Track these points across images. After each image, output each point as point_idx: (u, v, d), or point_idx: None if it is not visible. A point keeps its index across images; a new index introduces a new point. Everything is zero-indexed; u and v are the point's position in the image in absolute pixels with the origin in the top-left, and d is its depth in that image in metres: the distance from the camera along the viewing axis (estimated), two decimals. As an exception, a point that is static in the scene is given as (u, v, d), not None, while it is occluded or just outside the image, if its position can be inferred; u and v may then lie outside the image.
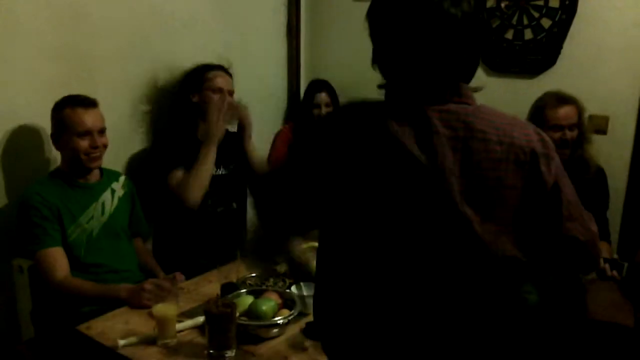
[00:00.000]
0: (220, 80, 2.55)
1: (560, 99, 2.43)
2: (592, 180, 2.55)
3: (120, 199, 2.29)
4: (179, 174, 2.43)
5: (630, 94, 2.67)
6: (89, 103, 2.14)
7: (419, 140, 1.08)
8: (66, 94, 2.24)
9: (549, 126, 2.36)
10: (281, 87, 3.48)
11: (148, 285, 1.92)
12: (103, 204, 2.22)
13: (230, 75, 2.63)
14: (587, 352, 2.07)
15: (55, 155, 2.28)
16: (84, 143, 2.10)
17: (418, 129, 1.09)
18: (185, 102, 2.58)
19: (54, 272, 2.02)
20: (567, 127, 2.39)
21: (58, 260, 2.04)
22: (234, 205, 2.70)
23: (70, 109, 2.10)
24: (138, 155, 2.68)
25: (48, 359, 2.01)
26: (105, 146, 2.17)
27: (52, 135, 2.15)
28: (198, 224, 2.54)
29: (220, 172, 2.62)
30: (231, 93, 2.60)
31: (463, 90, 1.14)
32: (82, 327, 1.75)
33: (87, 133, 2.10)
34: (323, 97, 3.19)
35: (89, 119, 2.10)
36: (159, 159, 2.49)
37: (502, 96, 2.99)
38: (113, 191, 2.28)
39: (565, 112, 2.39)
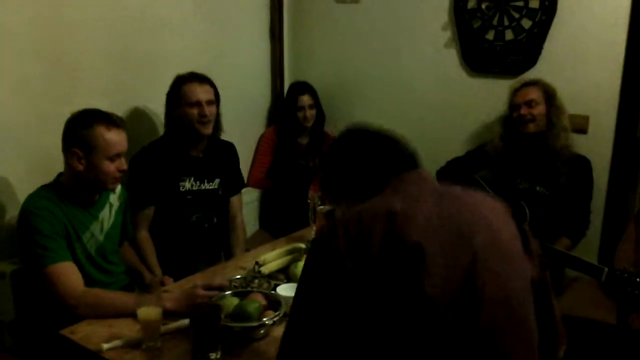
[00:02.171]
0: (196, 94, 2.48)
1: (526, 83, 2.71)
2: (576, 168, 2.60)
3: (116, 212, 2.19)
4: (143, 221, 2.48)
5: (610, 93, 2.71)
6: (121, 124, 2.01)
7: None
8: (44, 94, 2.21)
9: (513, 106, 2.70)
10: (264, 90, 3.48)
11: (201, 291, 1.84)
12: (102, 222, 2.12)
13: (209, 82, 2.55)
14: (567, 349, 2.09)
15: (32, 155, 2.26)
16: (113, 166, 1.97)
17: None
18: (170, 117, 2.57)
19: (74, 286, 1.86)
20: (524, 104, 2.64)
21: (74, 273, 1.89)
22: (215, 219, 2.70)
23: (104, 128, 1.94)
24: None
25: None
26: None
27: (70, 151, 1.94)
28: (182, 237, 2.55)
29: (205, 187, 2.62)
30: (210, 102, 2.51)
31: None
32: (66, 332, 1.73)
33: (119, 155, 1.99)
34: (306, 99, 3.20)
35: (122, 141, 1.99)
36: (139, 180, 2.48)
37: (483, 97, 3.03)
38: (111, 205, 2.17)
39: (524, 92, 2.67)
